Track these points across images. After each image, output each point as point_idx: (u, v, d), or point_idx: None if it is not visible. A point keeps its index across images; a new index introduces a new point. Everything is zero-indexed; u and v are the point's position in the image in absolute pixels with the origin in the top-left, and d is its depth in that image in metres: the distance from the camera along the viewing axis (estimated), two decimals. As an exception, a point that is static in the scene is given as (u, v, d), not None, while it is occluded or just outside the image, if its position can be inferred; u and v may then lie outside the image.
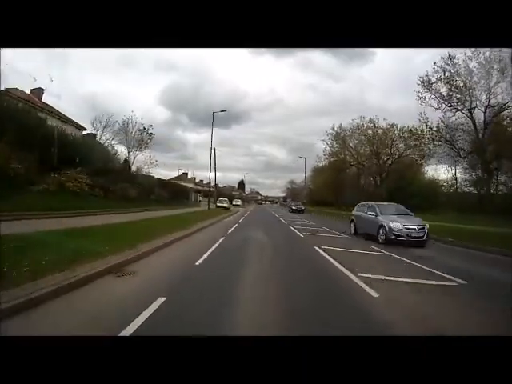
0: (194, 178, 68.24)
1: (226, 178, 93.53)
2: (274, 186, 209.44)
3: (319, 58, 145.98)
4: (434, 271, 5.67)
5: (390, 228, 9.14)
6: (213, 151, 27.82)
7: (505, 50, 17.12)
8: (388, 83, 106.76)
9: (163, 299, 3.36)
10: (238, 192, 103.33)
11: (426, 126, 26.67)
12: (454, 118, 24.56)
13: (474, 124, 23.83)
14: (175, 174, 61.28)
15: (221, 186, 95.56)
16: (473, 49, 21.55)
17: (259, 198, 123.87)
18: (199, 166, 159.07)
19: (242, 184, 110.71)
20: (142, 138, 26.87)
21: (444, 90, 24.37)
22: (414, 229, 9.07)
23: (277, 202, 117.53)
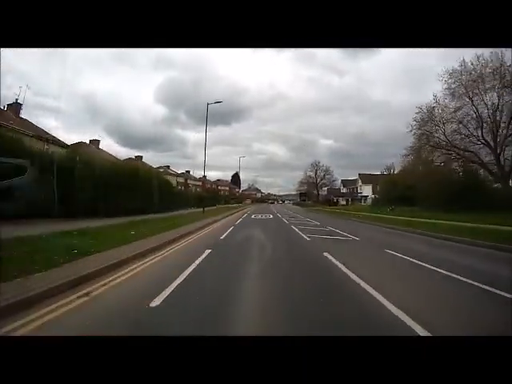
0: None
1: (226, 177, 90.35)
2: (273, 185, 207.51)
3: (323, 50, 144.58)
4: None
5: None
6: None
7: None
8: (396, 76, 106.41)
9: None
10: (226, 187, 78.44)
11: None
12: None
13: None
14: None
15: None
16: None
17: (260, 196, 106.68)
18: (200, 165, 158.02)
19: (236, 178, 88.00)
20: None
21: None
22: None
23: (285, 201, 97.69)
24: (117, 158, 22.94)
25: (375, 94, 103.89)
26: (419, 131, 25.74)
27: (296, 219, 19.12)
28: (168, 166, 54.97)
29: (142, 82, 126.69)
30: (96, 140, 32.14)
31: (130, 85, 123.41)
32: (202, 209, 22.84)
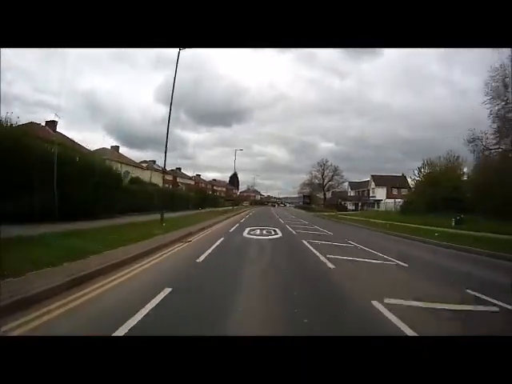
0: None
1: (226, 178, 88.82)
2: (273, 187, 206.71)
3: (324, 52, 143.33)
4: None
5: None
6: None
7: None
8: (397, 79, 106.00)
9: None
10: (223, 188, 72.85)
11: None
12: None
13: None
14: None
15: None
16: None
17: (259, 198, 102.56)
18: (201, 165, 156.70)
19: (235, 179, 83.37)
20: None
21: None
22: None
23: (286, 204, 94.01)
24: (74, 142, 17.95)
25: (376, 97, 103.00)
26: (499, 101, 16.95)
27: (330, 242, 10.01)
28: (154, 161, 47.91)
29: (141, 81, 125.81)
30: (52, 121, 24.06)
31: (129, 84, 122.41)
32: (187, 211, 15.18)
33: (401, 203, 34.21)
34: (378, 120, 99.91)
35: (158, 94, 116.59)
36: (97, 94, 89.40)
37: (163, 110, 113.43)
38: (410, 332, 2.85)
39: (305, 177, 67.70)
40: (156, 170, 44.68)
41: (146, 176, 37.79)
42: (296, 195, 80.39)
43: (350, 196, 63.75)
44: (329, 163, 62.26)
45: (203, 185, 63.42)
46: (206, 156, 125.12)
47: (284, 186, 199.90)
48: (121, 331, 2.68)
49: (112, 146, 36.92)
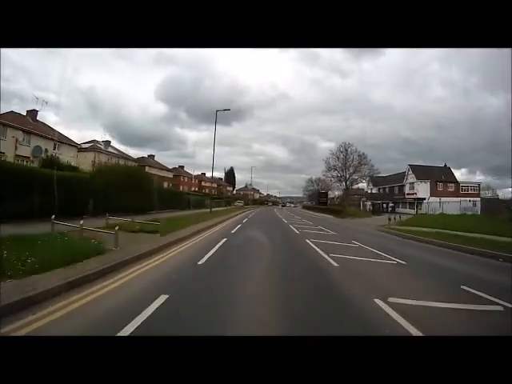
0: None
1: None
2: (272, 186, 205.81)
3: (326, 51, 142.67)
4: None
5: None
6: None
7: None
8: (398, 80, 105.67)
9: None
10: (211, 184, 55.64)
11: None
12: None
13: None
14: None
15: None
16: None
17: (258, 196, 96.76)
18: (199, 164, 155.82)
19: (231, 175, 77.78)
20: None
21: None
22: None
23: (291, 204, 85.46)
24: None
25: (377, 97, 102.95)
26: None
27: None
28: (109, 142, 36.01)
29: (142, 80, 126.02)
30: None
31: (130, 82, 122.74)
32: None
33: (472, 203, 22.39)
34: (379, 119, 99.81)
35: (159, 92, 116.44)
36: (97, 91, 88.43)
37: (163, 109, 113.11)
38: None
39: (305, 176, 61.48)
40: (104, 153, 32.22)
41: (87, 160, 26.40)
42: (299, 195, 76.77)
43: (371, 193, 50.17)
44: (353, 148, 44.43)
45: (186, 179, 52.44)
46: (205, 155, 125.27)
47: (283, 185, 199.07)
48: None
49: (28, 111, 24.85)
